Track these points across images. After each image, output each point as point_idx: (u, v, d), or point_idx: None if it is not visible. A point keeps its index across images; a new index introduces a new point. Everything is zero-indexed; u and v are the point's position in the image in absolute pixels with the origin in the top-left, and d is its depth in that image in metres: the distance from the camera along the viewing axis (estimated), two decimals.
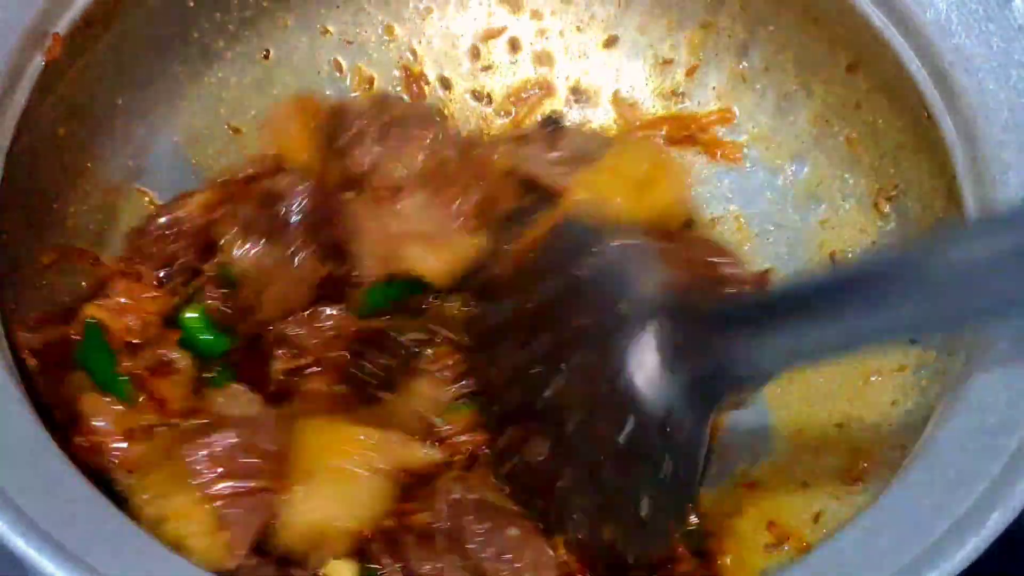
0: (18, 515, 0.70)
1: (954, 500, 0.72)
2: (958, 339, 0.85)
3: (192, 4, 1.05)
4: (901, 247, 0.69)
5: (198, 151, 1.08)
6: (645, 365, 0.77)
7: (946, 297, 0.65)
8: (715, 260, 0.94)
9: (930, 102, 0.92)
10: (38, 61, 0.91)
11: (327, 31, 1.12)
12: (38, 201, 0.95)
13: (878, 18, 0.95)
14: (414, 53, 1.14)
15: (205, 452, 0.81)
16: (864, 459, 0.91)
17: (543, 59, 1.15)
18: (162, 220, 0.98)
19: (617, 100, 1.14)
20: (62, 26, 0.92)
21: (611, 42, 1.14)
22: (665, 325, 0.78)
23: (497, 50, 1.15)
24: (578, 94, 1.14)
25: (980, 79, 0.89)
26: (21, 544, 0.69)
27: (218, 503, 0.80)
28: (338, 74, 1.13)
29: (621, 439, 0.80)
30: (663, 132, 1.12)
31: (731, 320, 0.75)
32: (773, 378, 0.87)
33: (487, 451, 0.93)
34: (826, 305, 0.69)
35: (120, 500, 0.82)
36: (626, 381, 0.78)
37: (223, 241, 0.95)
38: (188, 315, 0.95)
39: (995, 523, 0.70)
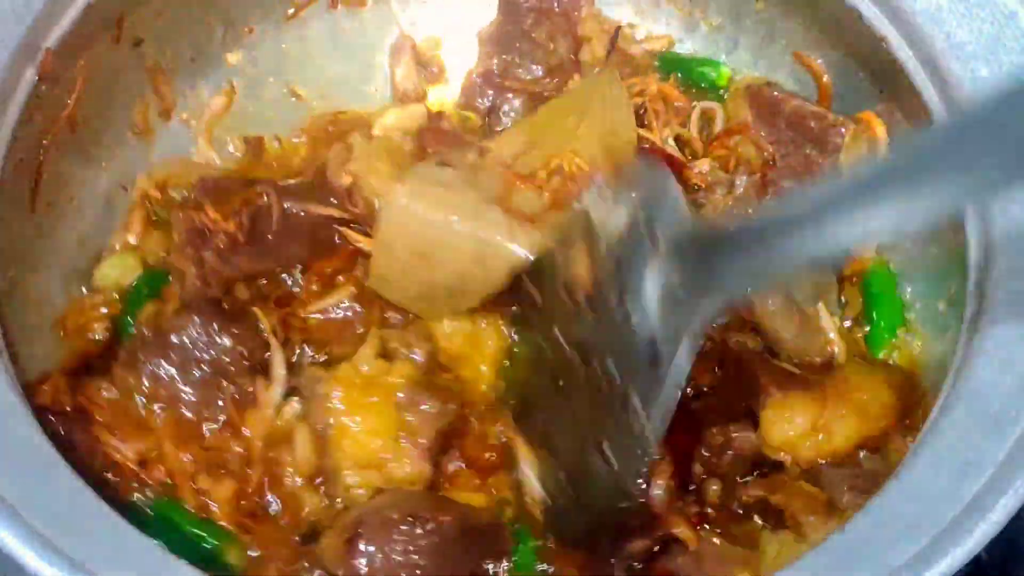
0: (30, 532, 0.70)
1: (962, 486, 0.73)
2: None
3: None
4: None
5: None
6: (643, 290, 0.77)
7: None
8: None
9: (922, 90, 0.93)
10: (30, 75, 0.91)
11: None
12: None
13: (867, 7, 0.96)
14: None
15: None
16: None
17: None
18: None
19: None
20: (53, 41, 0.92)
21: None
22: (669, 255, 0.77)
23: None
24: None
25: (972, 67, 0.90)
26: (33, 560, 0.69)
27: None
28: None
29: (609, 369, 0.80)
30: None
31: (716, 246, 0.74)
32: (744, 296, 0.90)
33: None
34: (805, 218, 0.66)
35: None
36: (625, 307, 0.79)
37: None
38: None
39: (1004, 508, 0.71)
